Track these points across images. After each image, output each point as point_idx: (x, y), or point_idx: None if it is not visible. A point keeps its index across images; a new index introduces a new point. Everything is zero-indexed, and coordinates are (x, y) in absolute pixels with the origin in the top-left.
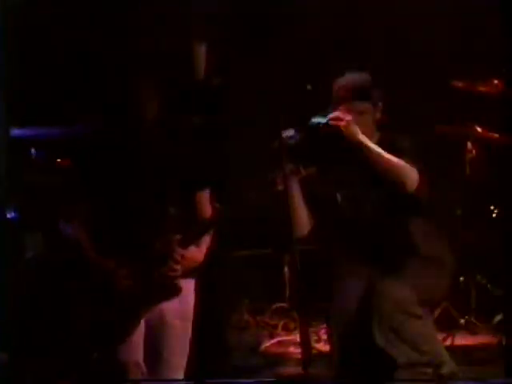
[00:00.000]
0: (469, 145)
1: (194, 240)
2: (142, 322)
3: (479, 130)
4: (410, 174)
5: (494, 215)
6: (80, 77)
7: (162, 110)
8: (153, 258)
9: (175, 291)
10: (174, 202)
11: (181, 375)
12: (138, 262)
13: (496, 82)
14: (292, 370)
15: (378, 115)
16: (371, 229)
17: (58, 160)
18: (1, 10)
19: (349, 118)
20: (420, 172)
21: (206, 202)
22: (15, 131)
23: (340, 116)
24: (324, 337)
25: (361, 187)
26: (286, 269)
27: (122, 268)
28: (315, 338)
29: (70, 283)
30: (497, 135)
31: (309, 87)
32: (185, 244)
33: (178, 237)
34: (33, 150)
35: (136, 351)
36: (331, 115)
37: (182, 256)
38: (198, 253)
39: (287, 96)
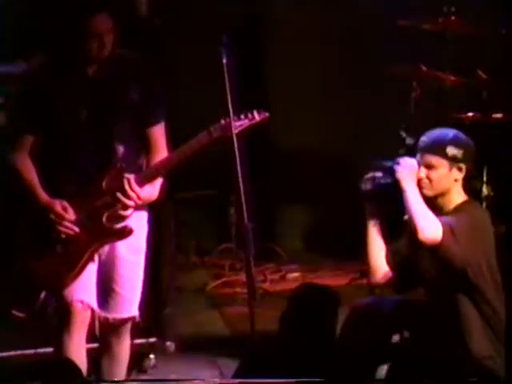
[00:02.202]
0: (414, 84)
1: (150, 180)
2: (95, 259)
3: (424, 68)
4: (428, 224)
5: None
6: (28, 14)
7: (109, 47)
8: (101, 197)
9: (126, 232)
10: (123, 139)
11: (134, 309)
12: (87, 201)
13: (441, 20)
14: (238, 309)
15: (458, 175)
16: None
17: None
18: None
19: (404, 163)
20: (448, 235)
21: (161, 137)
22: None
23: (401, 162)
24: (270, 276)
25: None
26: (231, 209)
27: (68, 211)
28: (261, 277)
29: (18, 220)
30: (442, 74)
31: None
32: (140, 183)
33: (129, 175)
34: None
35: (82, 290)
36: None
37: (137, 195)
38: (152, 191)
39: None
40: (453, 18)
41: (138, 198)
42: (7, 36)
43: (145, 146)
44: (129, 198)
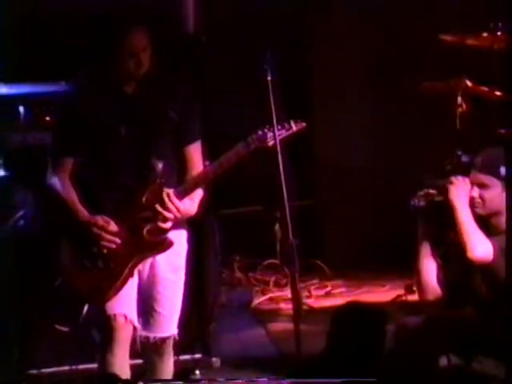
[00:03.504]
0: (459, 99)
1: (189, 193)
2: (136, 275)
3: (469, 83)
4: (477, 243)
5: None
6: (70, 33)
7: (146, 64)
8: (141, 211)
9: (166, 245)
10: (162, 156)
11: (174, 328)
12: (127, 216)
13: (485, 35)
14: (283, 325)
15: None
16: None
17: (47, 118)
18: None
19: (457, 182)
20: (499, 256)
21: (197, 155)
22: (2, 89)
23: (453, 180)
24: (315, 293)
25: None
26: (277, 225)
27: (110, 225)
28: (306, 293)
29: (59, 238)
30: (486, 89)
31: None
32: (179, 196)
33: (168, 190)
34: (21, 108)
35: (125, 305)
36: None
37: (177, 208)
38: (191, 205)
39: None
40: (499, 33)
41: (178, 210)
42: (47, 56)
43: (181, 163)
44: (168, 210)
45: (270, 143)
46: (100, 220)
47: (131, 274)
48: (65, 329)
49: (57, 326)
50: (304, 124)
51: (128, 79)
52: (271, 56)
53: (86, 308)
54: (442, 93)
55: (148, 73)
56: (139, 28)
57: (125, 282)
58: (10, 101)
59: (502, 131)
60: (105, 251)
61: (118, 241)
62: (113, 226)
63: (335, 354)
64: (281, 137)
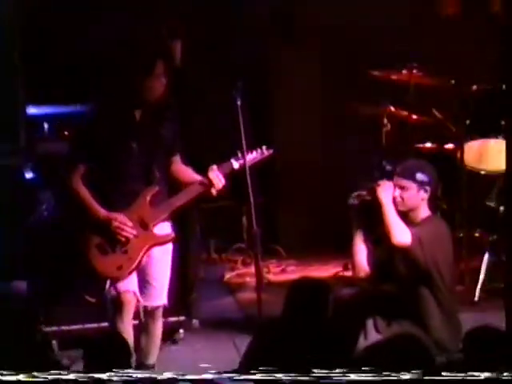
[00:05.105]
0: (385, 120)
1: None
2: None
3: (393, 109)
4: (400, 232)
5: None
6: (91, 63)
7: (163, 88)
8: (146, 210)
9: (170, 239)
10: (158, 165)
11: (165, 298)
12: (136, 213)
13: (405, 72)
14: (248, 295)
15: (424, 196)
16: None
17: (65, 133)
18: None
19: (383, 185)
20: (416, 241)
21: (178, 163)
22: (31, 110)
23: (380, 183)
24: (273, 270)
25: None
26: (244, 217)
27: (127, 220)
28: (266, 270)
29: (77, 227)
30: (406, 113)
31: (388, 167)
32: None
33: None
34: (45, 125)
35: (133, 283)
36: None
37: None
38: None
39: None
40: (414, 71)
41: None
42: (66, 82)
43: (169, 171)
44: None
45: (236, 166)
46: (120, 216)
47: (143, 257)
48: (92, 299)
49: (87, 297)
50: (271, 151)
51: (144, 102)
52: (241, 84)
53: (108, 283)
54: (372, 115)
55: (160, 97)
56: (163, 56)
57: (139, 265)
58: (37, 119)
59: (419, 146)
60: (123, 239)
61: (135, 232)
62: (129, 221)
63: (291, 316)
64: (256, 159)
